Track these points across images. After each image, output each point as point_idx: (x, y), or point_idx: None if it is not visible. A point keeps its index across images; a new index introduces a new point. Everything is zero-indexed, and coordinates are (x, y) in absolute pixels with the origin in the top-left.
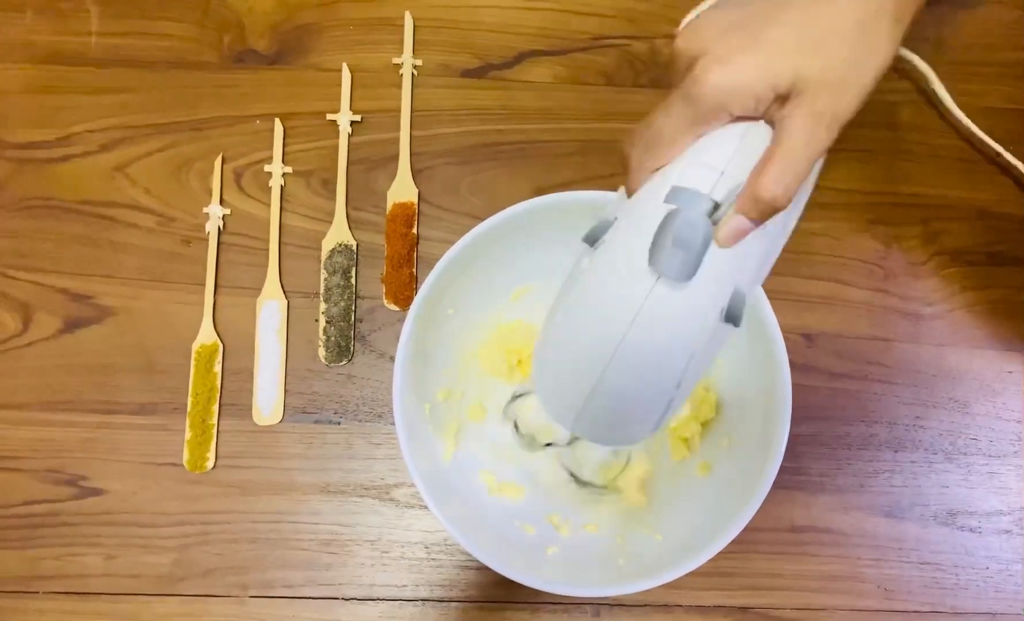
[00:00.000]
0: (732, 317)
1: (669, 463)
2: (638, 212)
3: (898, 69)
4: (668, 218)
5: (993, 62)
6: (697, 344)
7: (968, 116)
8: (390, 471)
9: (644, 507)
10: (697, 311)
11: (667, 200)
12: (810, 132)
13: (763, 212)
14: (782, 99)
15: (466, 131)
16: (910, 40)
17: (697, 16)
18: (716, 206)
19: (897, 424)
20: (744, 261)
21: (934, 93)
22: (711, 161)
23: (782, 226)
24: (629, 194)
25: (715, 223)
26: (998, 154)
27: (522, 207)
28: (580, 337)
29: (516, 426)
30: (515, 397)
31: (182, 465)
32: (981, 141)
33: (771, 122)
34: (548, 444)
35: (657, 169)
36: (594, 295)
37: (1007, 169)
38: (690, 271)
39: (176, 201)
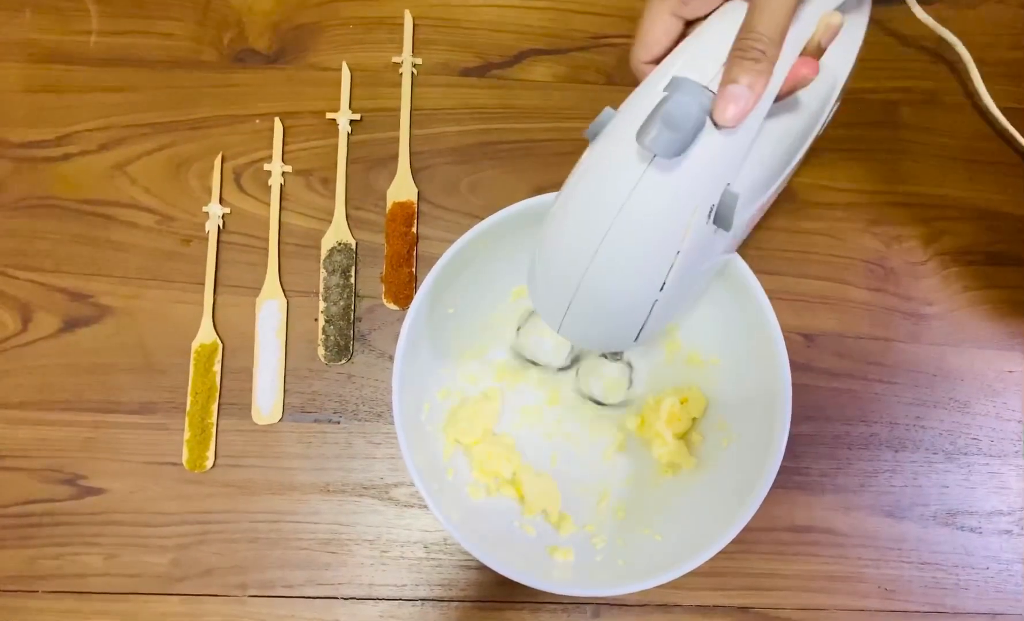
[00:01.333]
0: (721, 217)
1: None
2: (636, 103)
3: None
4: (661, 102)
5: (994, 61)
6: (683, 239)
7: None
8: (389, 470)
9: (691, 468)
10: (684, 197)
11: (665, 90)
12: None
13: (757, 61)
14: None
15: (466, 130)
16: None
17: None
18: (712, 95)
19: (897, 424)
20: (737, 157)
21: (970, 80)
22: (708, 53)
23: (785, 129)
24: (635, 73)
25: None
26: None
27: (522, 206)
28: (569, 230)
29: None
30: (518, 329)
31: (181, 464)
32: (1011, 135)
33: None
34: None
35: (651, 62)
36: (586, 185)
37: None
38: (677, 149)
39: (176, 200)
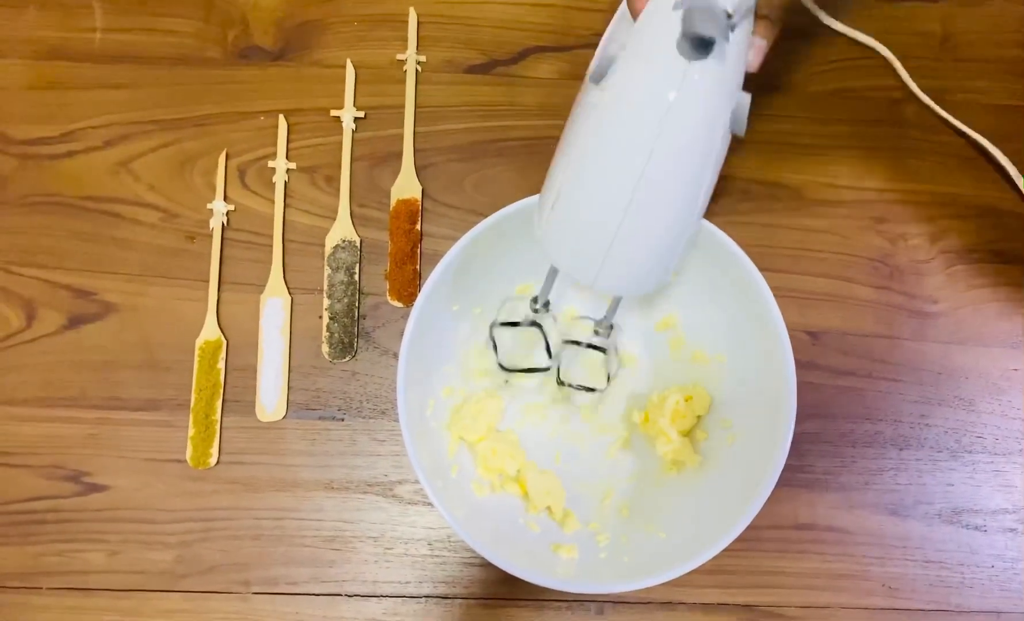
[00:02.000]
0: (737, 120)
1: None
2: (650, 26)
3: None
4: (689, 10)
5: (999, 59)
6: (719, 147)
7: (973, 113)
8: (393, 468)
9: (696, 466)
10: (723, 96)
11: (676, 7)
12: None
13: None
14: None
15: (470, 127)
16: (917, 34)
17: None
18: (729, 16)
19: (902, 422)
20: (742, 61)
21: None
22: None
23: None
24: (634, 15)
25: (731, 25)
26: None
27: (526, 203)
28: (604, 164)
29: (499, 363)
30: (493, 328)
31: (185, 461)
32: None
33: None
34: (530, 370)
35: None
36: (616, 113)
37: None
38: (724, 32)
39: (180, 197)
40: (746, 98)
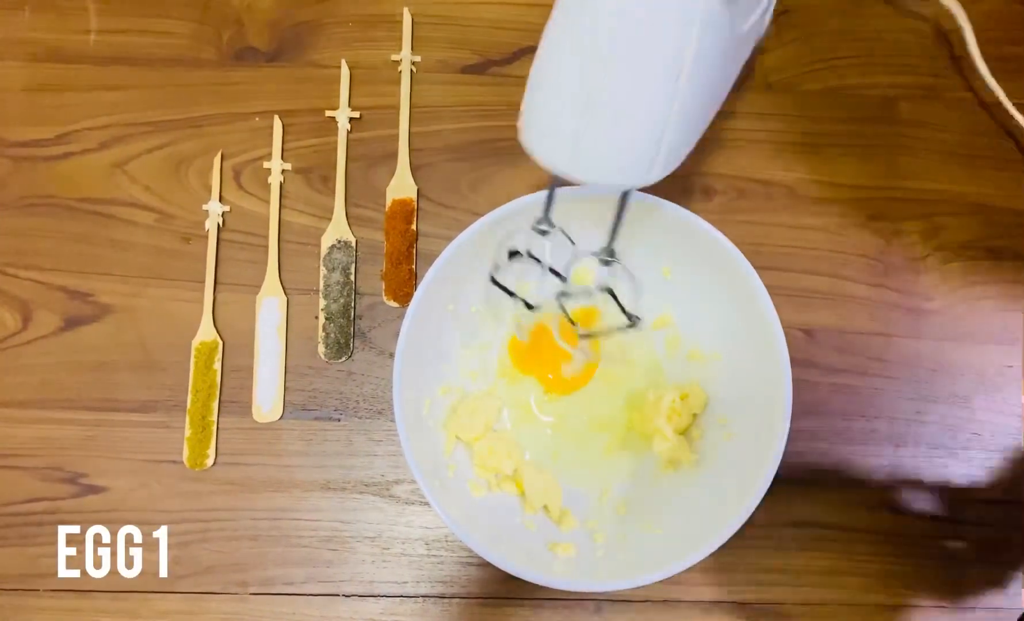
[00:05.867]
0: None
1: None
2: None
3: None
4: None
5: (995, 56)
6: (700, 11)
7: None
8: (390, 468)
9: (692, 464)
10: None
11: None
12: None
13: None
14: None
15: (466, 127)
16: (924, 18)
17: None
18: None
19: (898, 419)
20: None
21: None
22: None
23: None
24: None
25: None
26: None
27: (521, 202)
28: (577, 33)
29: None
30: (495, 273)
31: (182, 462)
32: (1001, 104)
33: None
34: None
35: None
36: None
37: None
38: None
39: (175, 198)
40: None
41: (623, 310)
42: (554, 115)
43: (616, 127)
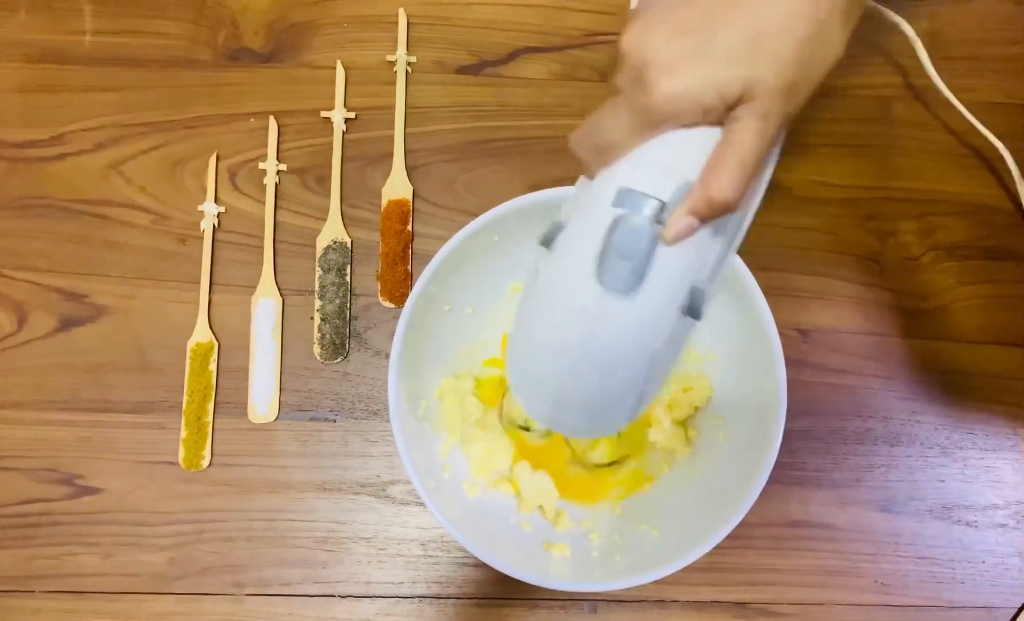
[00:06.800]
0: (693, 311)
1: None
2: (586, 217)
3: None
4: (612, 226)
5: (988, 56)
6: (656, 343)
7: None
8: (386, 468)
9: (688, 455)
10: (650, 316)
11: (614, 203)
12: (760, 133)
13: (715, 212)
14: (731, 106)
15: (461, 128)
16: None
17: (642, 5)
18: (663, 206)
19: (893, 419)
20: (700, 257)
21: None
22: (658, 160)
23: (738, 221)
24: (587, 175)
25: (662, 223)
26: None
27: (517, 203)
28: (541, 342)
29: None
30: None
31: (178, 463)
32: (967, 122)
33: (719, 123)
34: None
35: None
36: (548, 304)
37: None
38: (635, 281)
39: (171, 199)
40: (700, 292)
41: None
42: (533, 391)
43: (587, 414)
